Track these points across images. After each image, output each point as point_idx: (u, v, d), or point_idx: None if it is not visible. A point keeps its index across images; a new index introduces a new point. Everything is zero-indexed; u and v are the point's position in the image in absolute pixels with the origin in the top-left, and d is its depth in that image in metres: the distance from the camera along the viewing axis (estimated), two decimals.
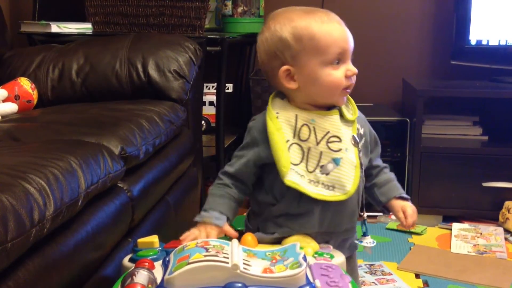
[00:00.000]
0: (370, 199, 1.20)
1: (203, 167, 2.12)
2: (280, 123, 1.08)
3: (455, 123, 2.39)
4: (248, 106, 2.67)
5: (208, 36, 2.17)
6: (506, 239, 2.11)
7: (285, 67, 1.08)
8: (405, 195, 1.18)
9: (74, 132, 1.37)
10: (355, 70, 1.08)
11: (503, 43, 2.36)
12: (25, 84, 1.75)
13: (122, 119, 1.51)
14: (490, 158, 2.23)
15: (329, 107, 1.11)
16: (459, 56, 2.40)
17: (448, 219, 2.29)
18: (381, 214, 2.29)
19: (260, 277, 0.87)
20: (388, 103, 2.66)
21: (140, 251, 1.05)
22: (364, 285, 1.73)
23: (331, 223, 1.10)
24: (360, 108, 1.15)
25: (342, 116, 1.11)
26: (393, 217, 2.26)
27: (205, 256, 0.89)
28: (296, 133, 1.08)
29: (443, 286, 1.76)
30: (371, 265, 1.88)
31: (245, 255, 0.93)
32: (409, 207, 1.16)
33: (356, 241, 1.18)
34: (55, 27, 2.19)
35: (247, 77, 2.71)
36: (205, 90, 2.53)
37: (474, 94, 2.29)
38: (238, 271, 0.86)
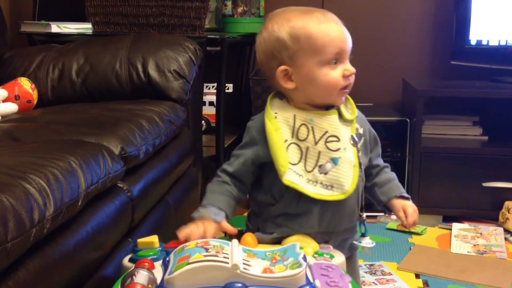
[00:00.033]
0: (371, 199, 1.20)
1: (203, 167, 2.12)
2: (278, 123, 1.08)
3: (455, 123, 2.39)
4: (248, 106, 2.67)
5: (208, 36, 2.17)
6: (506, 239, 2.10)
7: (282, 67, 1.07)
8: (405, 195, 1.18)
9: (74, 132, 1.37)
10: (352, 70, 1.08)
11: (503, 43, 2.36)
12: (25, 84, 1.75)
13: (122, 119, 1.52)
14: (490, 158, 2.23)
15: (327, 107, 1.11)
16: (459, 56, 2.40)
17: (448, 219, 2.28)
18: (381, 214, 2.29)
19: (260, 277, 0.87)
20: (388, 103, 2.66)
21: (140, 251, 1.05)
22: (364, 285, 1.73)
23: (331, 223, 1.10)
24: (360, 108, 1.15)
25: (340, 115, 1.11)
26: (393, 217, 2.28)
27: (205, 256, 0.89)
28: (295, 133, 1.08)
29: (443, 286, 1.76)
30: (371, 265, 1.88)
31: (245, 255, 0.93)
32: (410, 207, 1.16)
33: (355, 242, 1.18)
34: (55, 27, 2.19)
35: (247, 77, 2.71)
36: (205, 90, 2.53)
37: (474, 94, 2.29)
38: (238, 271, 0.86)
